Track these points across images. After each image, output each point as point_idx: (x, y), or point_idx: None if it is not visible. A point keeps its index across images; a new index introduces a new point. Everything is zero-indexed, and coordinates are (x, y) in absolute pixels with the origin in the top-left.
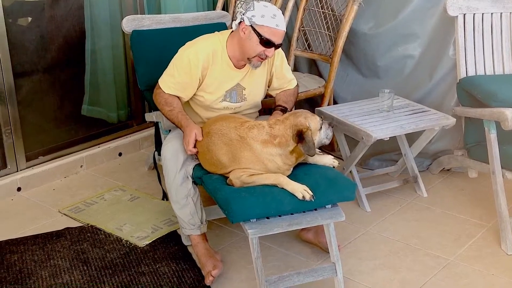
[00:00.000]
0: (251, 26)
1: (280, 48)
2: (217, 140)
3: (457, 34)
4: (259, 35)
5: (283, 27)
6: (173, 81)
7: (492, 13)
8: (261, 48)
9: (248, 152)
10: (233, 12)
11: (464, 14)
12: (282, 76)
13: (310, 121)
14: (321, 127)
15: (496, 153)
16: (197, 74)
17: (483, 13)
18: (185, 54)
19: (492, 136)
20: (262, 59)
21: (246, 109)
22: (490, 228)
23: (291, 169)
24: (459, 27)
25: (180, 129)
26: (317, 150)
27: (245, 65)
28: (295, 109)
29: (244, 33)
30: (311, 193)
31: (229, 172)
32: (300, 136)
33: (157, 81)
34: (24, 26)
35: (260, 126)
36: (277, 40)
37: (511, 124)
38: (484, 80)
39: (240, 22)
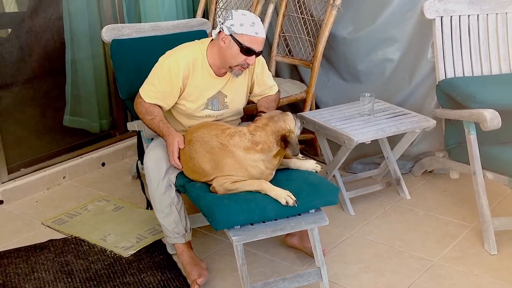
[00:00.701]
0: (230, 35)
1: (260, 55)
2: (199, 148)
3: (435, 37)
4: (239, 43)
5: (262, 35)
6: (154, 90)
7: (469, 15)
8: (242, 57)
9: (230, 159)
10: (213, 19)
11: (441, 17)
12: (263, 83)
13: (289, 122)
14: (297, 123)
15: (476, 154)
16: (178, 83)
17: (460, 15)
18: (165, 63)
19: (472, 137)
20: (243, 67)
21: (228, 117)
22: (473, 229)
23: (274, 173)
24: (436, 30)
25: (162, 138)
26: (300, 155)
27: (226, 72)
28: None
29: (224, 43)
30: (294, 199)
31: (212, 179)
32: (285, 140)
33: (138, 90)
34: (3, 38)
35: (241, 133)
36: (258, 47)
37: (490, 125)
38: (463, 82)
39: (220, 31)
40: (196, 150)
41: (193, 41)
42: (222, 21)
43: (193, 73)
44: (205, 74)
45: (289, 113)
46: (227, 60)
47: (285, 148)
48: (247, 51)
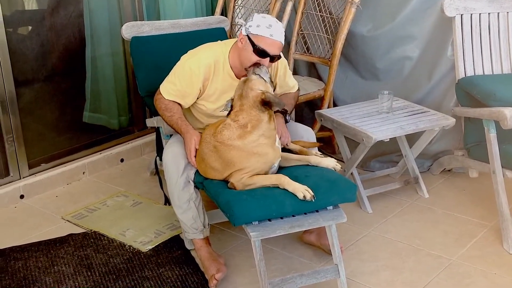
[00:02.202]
0: (247, 35)
1: (283, 57)
2: (205, 149)
3: (455, 35)
4: (253, 44)
5: (278, 38)
6: (174, 88)
7: (489, 13)
8: (255, 58)
9: (233, 151)
10: (232, 17)
11: (461, 15)
12: (285, 84)
13: (256, 86)
14: (262, 77)
15: (496, 153)
16: (198, 84)
17: (480, 13)
18: (187, 64)
19: (492, 136)
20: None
21: None
22: (491, 228)
23: (279, 145)
24: (456, 27)
25: (180, 135)
26: (319, 152)
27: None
28: (294, 112)
29: (242, 43)
30: (312, 193)
31: (227, 176)
32: (266, 103)
33: (158, 87)
34: (25, 35)
35: (227, 125)
36: (272, 50)
37: (510, 123)
38: (483, 80)
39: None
40: (204, 151)
41: (216, 42)
42: (244, 23)
43: (214, 75)
44: (226, 76)
45: (251, 76)
46: (242, 61)
47: (271, 108)
48: (260, 53)
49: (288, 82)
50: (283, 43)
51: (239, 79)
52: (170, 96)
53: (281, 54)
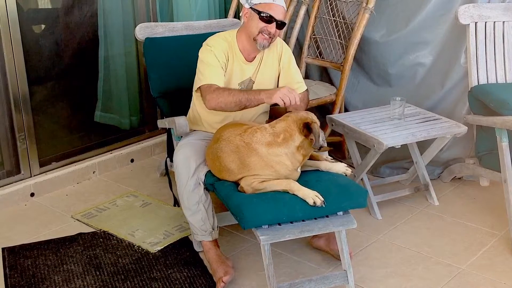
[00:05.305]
0: (250, 8)
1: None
2: (225, 147)
3: (468, 43)
4: (258, 12)
5: (280, 3)
6: (213, 70)
7: (503, 22)
8: (262, 24)
9: (255, 157)
10: None
11: (475, 23)
12: (289, 74)
13: (312, 116)
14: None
15: (508, 162)
16: (222, 57)
17: (494, 22)
18: (207, 46)
19: (504, 145)
20: (266, 37)
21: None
22: (501, 237)
23: (299, 170)
24: (470, 35)
25: (258, 101)
26: (329, 157)
27: (255, 57)
28: None
29: (247, 17)
30: (322, 199)
31: (240, 179)
32: (308, 127)
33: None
34: (39, 33)
35: (262, 128)
36: (276, 14)
37: None
38: (496, 89)
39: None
40: (222, 149)
41: (221, 32)
42: (245, 1)
43: (229, 56)
44: (238, 60)
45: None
46: (249, 32)
47: (308, 136)
48: (266, 18)
49: (293, 75)
50: (285, 8)
51: (250, 62)
52: (217, 78)
53: (285, 45)
